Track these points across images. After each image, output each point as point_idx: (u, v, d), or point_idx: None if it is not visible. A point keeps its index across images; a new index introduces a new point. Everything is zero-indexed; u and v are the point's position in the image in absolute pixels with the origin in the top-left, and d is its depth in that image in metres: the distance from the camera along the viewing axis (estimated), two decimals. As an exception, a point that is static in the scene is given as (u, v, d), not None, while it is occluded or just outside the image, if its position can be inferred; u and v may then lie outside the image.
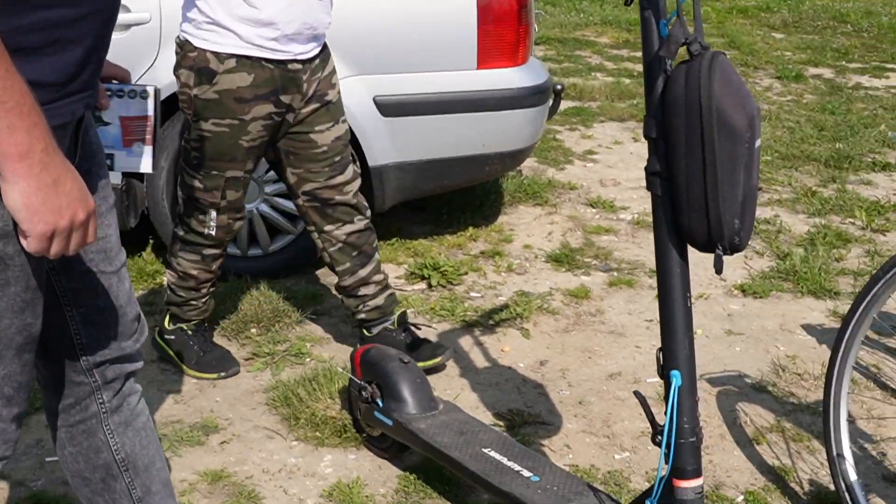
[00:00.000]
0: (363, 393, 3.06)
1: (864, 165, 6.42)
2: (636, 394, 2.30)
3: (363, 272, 3.55)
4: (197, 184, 3.36)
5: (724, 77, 2.01)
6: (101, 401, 2.08)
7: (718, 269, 2.10)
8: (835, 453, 2.78)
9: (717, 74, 2.00)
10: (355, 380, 3.12)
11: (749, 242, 4.98)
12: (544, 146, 6.54)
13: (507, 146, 4.54)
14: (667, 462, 2.24)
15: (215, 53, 3.16)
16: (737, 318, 4.22)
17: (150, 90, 2.13)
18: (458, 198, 5.29)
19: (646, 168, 2.15)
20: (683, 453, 2.22)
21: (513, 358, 3.82)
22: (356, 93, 4.16)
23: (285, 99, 3.26)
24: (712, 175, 2.02)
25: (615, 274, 4.64)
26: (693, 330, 2.20)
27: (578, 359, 3.83)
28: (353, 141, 4.23)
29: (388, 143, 4.31)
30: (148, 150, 2.15)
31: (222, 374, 3.59)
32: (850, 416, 2.84)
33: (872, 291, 2.66)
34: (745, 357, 3.88)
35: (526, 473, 2.68)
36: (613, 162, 6.40)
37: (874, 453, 3.25)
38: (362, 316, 3.64)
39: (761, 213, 5.51)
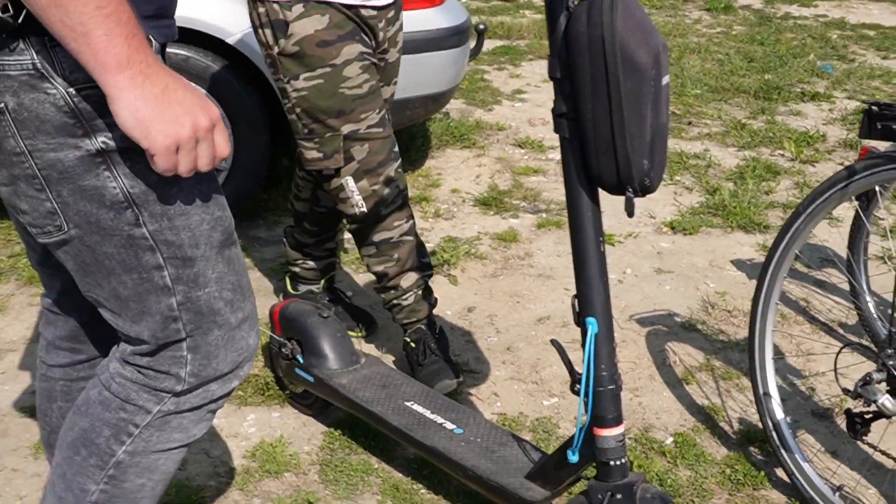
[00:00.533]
0: (283, 349, 2.98)
1: (794, 96, 6.40)
2: (553, 342, 2.24)
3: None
4: (315, 154, 3.01)
5: (627, 12, 1.93)
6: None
7: (629, 211, 2.03)
8: (761, 392, 2.75)
9: (619, 10, 1.91)
10: (275, 336, 3.04)
11: (678, 178, 4.95)
12: (472, 87, 6.45)
13: (427, 89, 4.44)
14: (586, 411, 2.19)
15: (280, 3, 2.87)
16: (666, 255, 4.18)
17: None
18: (383, 144, 5.19)
19: (552, 110, 2.07)
20: (603, 401, 2.16)
21: (440, 306, 3.75)
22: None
23: (369, 41, 2.99)
24: (619, 115, 1.94)
25: (544, 215, 4.58)
26: (608, 275, 2.13)
27: (507, 304, 3.77)
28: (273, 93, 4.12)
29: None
30: None
31: None
32: (778, 352, 2.81)
33: (794, 226, 2.62)
34: (674, 295, 3.84)
35: (449, 426, 2.62)
36: (542, 101, 6.32)
37: (803, 389, 3.23)
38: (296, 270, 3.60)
39: (691, 147, 5.47)
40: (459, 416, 2.68)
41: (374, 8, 2.97)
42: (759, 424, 2.93)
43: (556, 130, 2.07)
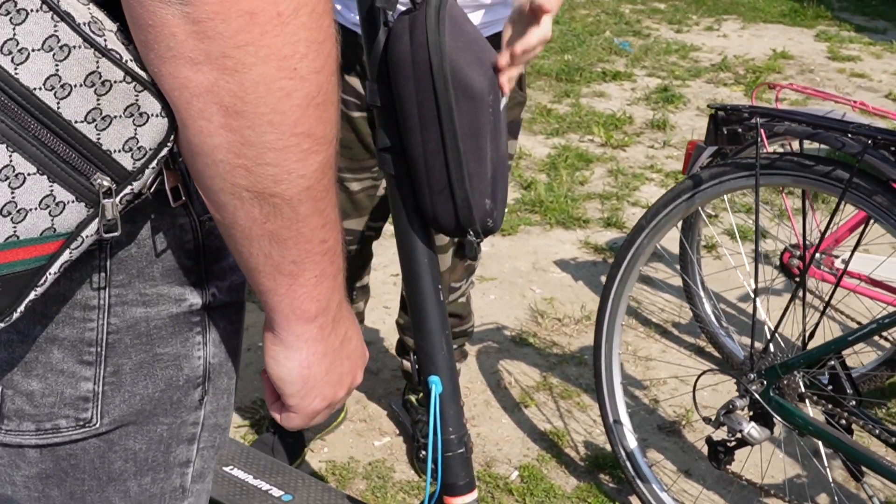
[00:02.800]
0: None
1: (596, 76, 6.29)
2: (392, 406, 1.97)
3: None
4: None
5: (456, 29, 1.66)
6: None
7: (471, 255, 1.78)
8: (611, 420, 2.55)
9: (446, 27, 1.64)
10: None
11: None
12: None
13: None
14: (434, 479, 1.92)
15: None
16: (487, 261, 3.95)
17: None
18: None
19: (374, 143, 1.79)
20: (453, 468, 1.90)
21: (251, 337, 3.43)
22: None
23: (351, 80, 2.40)
24: (454, 150, 1.67)
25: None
26: (449, 327, 1.87)
27: (324, 329, 3.47)
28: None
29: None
30: None
31: None
32: (623, 375, 2.61)
33: (637, 242, 2.42)
34: (501, 305, 3.62)
35: (276, 493, 2.32)
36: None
37: (646, 401, 3.05)
38: None
39: (499, 138, 5.27)
40: (286, 478, 2.38)
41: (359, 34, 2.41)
42: (606, 447, 2.75)
43: (381, 167, 1.79)
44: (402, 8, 1.70)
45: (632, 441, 2.53)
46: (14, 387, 1.02)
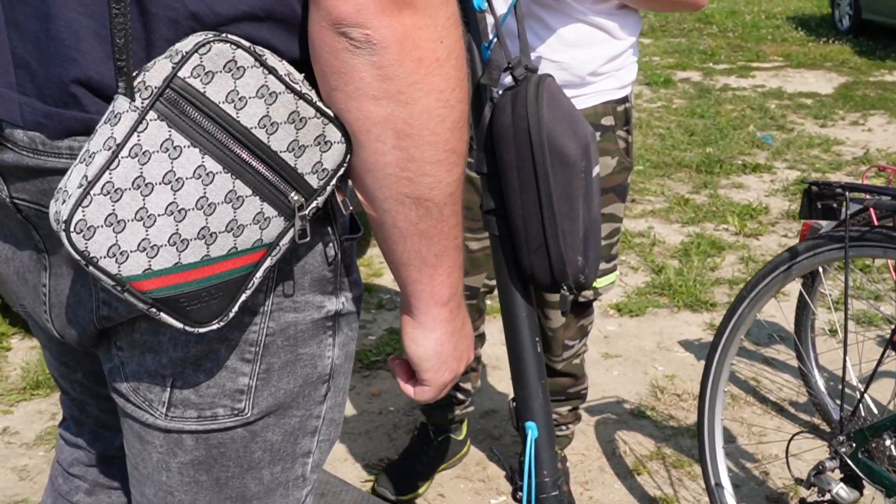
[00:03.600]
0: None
1: (735, 168, 6.39)
2: (493, 450, 2.13)
3: None
4: None
5: (553, 102, 1.85)
6: None
7: (564, 310, 1.94)
8: (713, 482, 2.65)
9: (544, 100, 1.83)
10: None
11: (623, 257, 4.88)
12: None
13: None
14: (530, 519, 2.07)
15: None
16: (613, 339, 4.09)
17: None
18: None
19: (480, 207, 1.98)
20: (547, 508, 2.05)
21: (384, 402, 3.64)
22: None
23: None
24: (549, 211, 1.86)
25: (488, 302, 4.47)
26: (546, 376, 2.03)
27: (451, 397, 3.65)
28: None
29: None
30: None
31: None
32: (730, 436, 2.72)
33: (739, 311, 2.54)
34: (623, 381, 3.75)
35: (391, 535, 2.50)
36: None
37: (756, 473, 3.14)
38: None
39: (635, 225, 5.42)
40: (401, 523, 2.56)
41: None
42: (714, 515, 2.84)
43: (486, 228, 1.98)
44: (505, 85, 1.90)
45: (733, 504, 2.63)
46: (184, 379, 1.23)
